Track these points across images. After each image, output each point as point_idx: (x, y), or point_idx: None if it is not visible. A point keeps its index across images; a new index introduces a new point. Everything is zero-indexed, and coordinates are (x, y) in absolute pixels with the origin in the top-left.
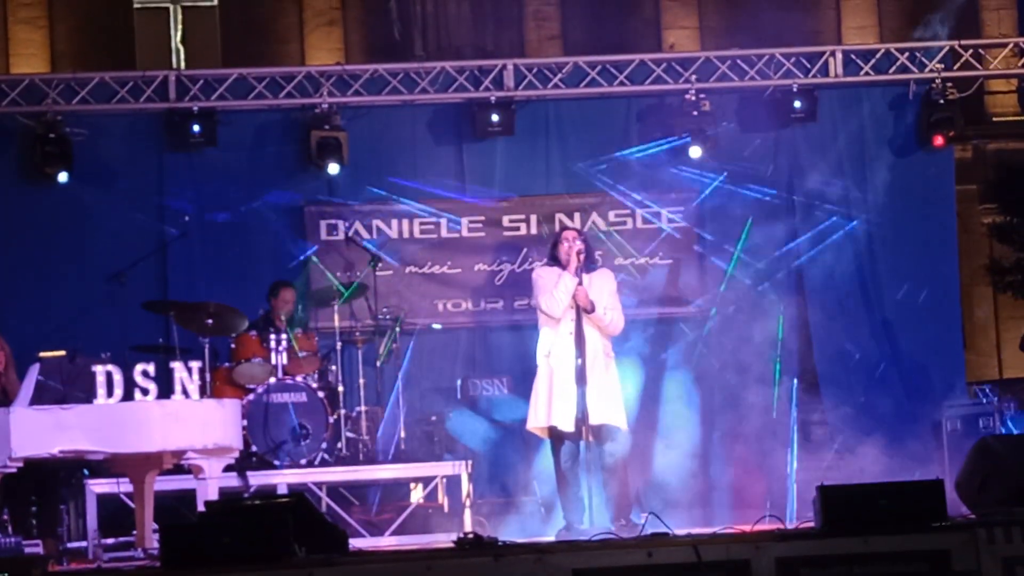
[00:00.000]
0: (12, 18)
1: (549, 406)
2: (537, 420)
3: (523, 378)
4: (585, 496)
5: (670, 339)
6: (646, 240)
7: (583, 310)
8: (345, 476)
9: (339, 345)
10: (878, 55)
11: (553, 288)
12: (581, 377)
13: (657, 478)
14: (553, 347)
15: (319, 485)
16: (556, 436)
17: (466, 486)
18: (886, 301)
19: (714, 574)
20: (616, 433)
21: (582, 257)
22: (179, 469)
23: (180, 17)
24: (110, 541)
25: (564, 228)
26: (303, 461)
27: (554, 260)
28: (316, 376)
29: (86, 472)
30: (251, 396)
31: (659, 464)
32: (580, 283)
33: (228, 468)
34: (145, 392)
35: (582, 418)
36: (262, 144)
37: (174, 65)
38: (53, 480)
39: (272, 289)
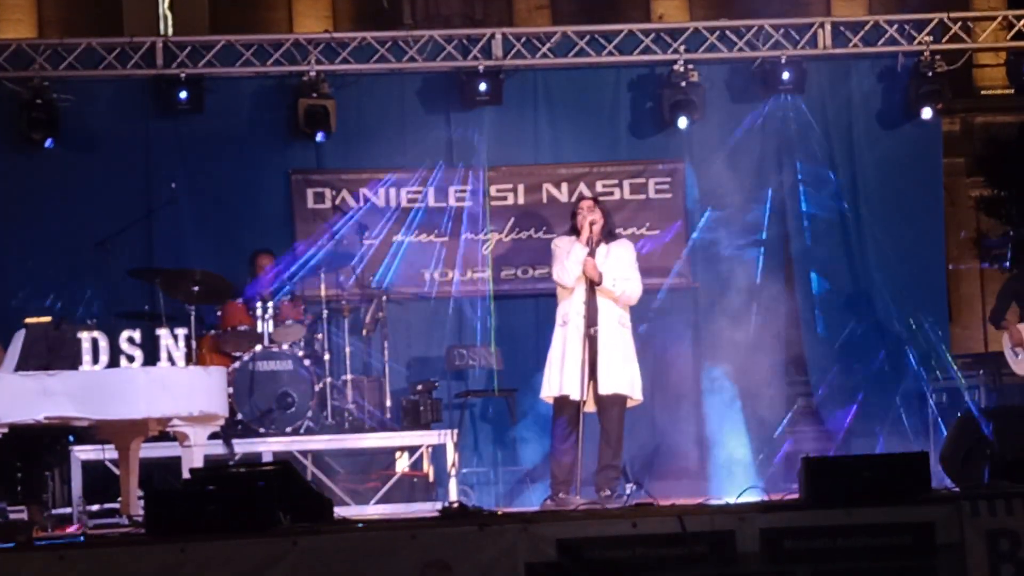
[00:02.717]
0: None
1: (561, 375)
2: (550, 389)
3: (509, 348)
4: (577, 467)
5: (657, 310)
6: (633, 210)
7: (591, 281)
8: (330, 444)
9: (325, 313)
10: (867, 27)
11: (565, 258)
12: (593, 346)
13: (645, 449)
14: (568, 316)
15: (304, 453)
16: (563, 405)
17: (451, 455)
18: (872, 273)
19: (698, 544)
20: (622, 403)
21: (595, 228)
22: (164, 436)
23: None
24: (95, 507)
25: (582, 198)
26: (288, 429)
27: (574, 230)
28: (302, 344)
29: (71, 438)
30: (237, 364)
31: (647, 436)
32: (591, 253)
33: (213, 436)
34: (131, 359)
35: (591, 387)
36: (249, 111)
37: (161, 32)
38: (38, 446)
39: (251, 257)
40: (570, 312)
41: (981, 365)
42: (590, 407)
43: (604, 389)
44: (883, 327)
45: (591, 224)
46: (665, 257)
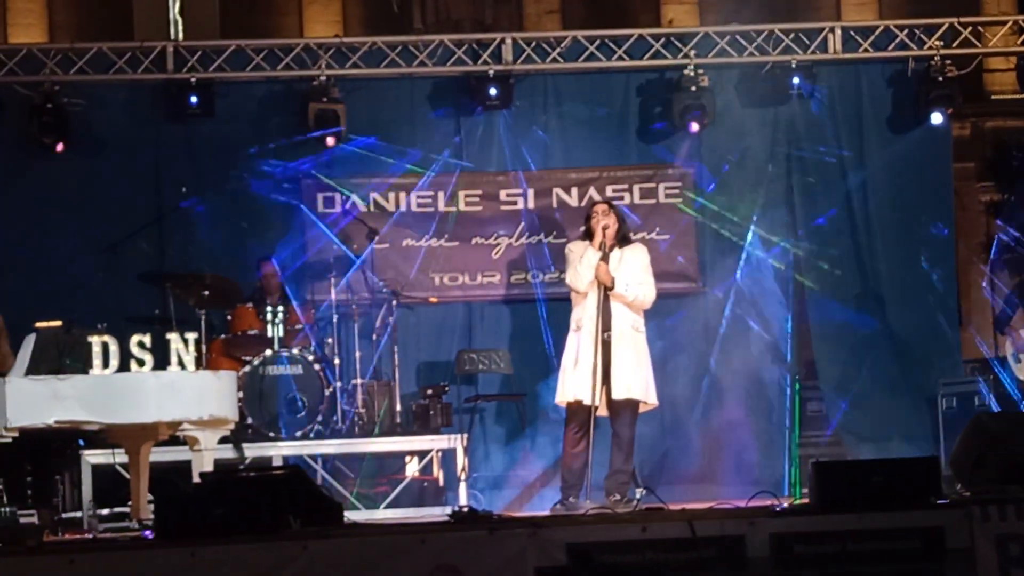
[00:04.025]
0: None
1: (574, 380)
2: (564, 394)
3: (519, 352)
4: (588, 471)
5: (667, 315)
6: (643, 215)
7: (603, 286)
8: (341, 449)
9: (335, 318)
10: (877, 32)
11: (578, 263)
12: (607, 351)
13: (655, 454)
14: (581, 321)
15: (315, 457)
16: (576, 410)
17: (461, 460)
18: (883, 278)
19: (708, 549)
20: (635, 408)
21: (607, 232)
22: (175, 440)
23: None
24: (105, 511)
25: (595, 202)
26: (299, 433)
27: (587, 234)
28: (312, 349)
29: (82, 442)
30: (247, 368)
31: (657, 440)
32: (604, 258)
33: (223, 440)
34: (141, 363)
35: (604, 392)
36: (260, 116)
37: (172, 36)
38: (49, 450)
39: (257, 264)
40: (584, 317)
41: (991, 370)
42: (603, 412)
43: (617, 394)
44: (893, 331)
45: (604, 228)
46: (675, 262)
